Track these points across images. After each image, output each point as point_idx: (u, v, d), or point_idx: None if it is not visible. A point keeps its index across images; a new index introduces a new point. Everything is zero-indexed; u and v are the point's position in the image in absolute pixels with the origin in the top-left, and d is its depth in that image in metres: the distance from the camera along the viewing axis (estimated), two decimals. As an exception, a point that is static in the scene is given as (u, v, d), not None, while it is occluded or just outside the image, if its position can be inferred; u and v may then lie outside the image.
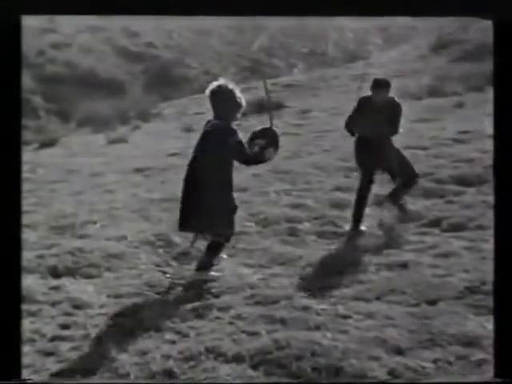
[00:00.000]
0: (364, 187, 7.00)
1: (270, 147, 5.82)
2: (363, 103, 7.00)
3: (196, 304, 5.30)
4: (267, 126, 5.93)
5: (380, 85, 6.88)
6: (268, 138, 5.84)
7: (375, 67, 18.73)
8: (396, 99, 6.93)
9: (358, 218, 6.92)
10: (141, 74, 22.74)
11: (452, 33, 19.41)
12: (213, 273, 5.83)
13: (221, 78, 5.86)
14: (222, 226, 5.77)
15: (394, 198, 7.10)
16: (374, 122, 6.80)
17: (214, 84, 5.75)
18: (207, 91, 5.74)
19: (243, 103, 5.77)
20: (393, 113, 6.85)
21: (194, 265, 6.02)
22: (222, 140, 5.65)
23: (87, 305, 5.43)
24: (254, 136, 5.91)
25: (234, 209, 5.80)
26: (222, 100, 5.68)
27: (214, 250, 5.85)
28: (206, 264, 5.81)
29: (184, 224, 5.80)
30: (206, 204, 5.65)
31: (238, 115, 5.80)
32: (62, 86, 20.76)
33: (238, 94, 5.74)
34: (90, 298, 5.57)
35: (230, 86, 5.74)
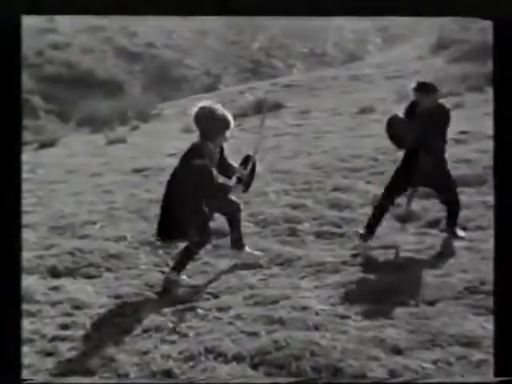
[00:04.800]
0: (387, 204, 6.42)
1: (244, 183, 5.97)
2: (410, 109, 6.23)
3: (196, 304, 5.31)
4: (248, 154, 6.05)
5: (425, 90, 6.12)
6: (248, 170, 5.99)
7: (375, 67, 18.76)
8: (445, 105, 6.20)
9: (371, 231, 6.42)
10: (140, 74, 22.74)
11: (452, 33, 19.41)
12: (184, 277, 5.87)
13: (203, 100, 5.91)
14: (192, 234, 5.78)
15: (451, 228, 6.40)
16: (420, 132, 6.12)
17: (197, 106, 5.80)
18: (192, 114, 5.79)
19: (229, 122, 5.77)
20: (439, 121, 6.14)
21: (191, 265, 6.03)
22: (187, 161, 5.71)
23: (87, 305, 5.43)
24: (242, 163, 6.05)
25: (206, 217, 5.85)
26: (206, 121, 5.72)
27: (185, 254, 5.89)
28: (178, 266, 5.85)
29: (160, 234, 5.90)
30: (177, 214, 5.72)
31: (227, 134, 5.81)
32: (62, 86, 20.76)
33: (221, 113, 5.74)
34: (89, 298, 5.57)
35: (214, 106, 5.77)
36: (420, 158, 6.18)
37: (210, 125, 5.71)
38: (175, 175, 5.79)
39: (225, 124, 5.74)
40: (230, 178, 6.08)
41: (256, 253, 6.24)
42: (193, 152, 5.72)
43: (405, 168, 6.32)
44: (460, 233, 6.50)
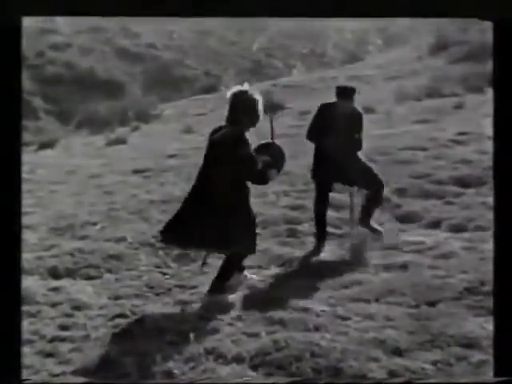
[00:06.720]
0: (322, 203, 6.61)
1: (275, 167, 5.62)
2: (325, 111, 6.54)
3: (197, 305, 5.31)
4: (270, 140, 5.71)
5: (344, 93, 6.46)
6: (274, 157, 5.61)
7: (374, 68, 18.74)
8: (357, 109, 6.48)
9: (321, 239, 6.52)
10: (140, 74, 22.73)
11: (452, 34, 19.39)
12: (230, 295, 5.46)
13: (246, 84, 5.49)
14: (241, 243, 5.42)
15: (365, 220, 6.59)
16: (336, 133, 6.33)
17: (239, 88, 5.42)
18: (229, 93, 5.42)
19: (261, 117, 5.44)
20: (354, 124, 6.43)
21: (192, 266, 6.04)
22: (233, 151, 5.30)
23: (87, 306, 5.43)
24: (259, 150, 5.57)
25: (253, 222, 5.52)
26: (244, 107, 5.38)
27: (226, 270, 5.49)
28: (217, 287, 5.46)
29: (183, 239, 5.51)
30: (219, 220, 5.31)
31: (252, 128, 5.46)
32: (62, 86, 20.75)
33: (260, 106, 5.43)
34: (89, 299, 5.57)
35: (256, 96, 5.42)
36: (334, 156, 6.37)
37: (247, 113, 5.38)
38: (212, 165, 5.39)
39: (258, 117, 5.44)
40: None
41: (250, 276, 5.79)
42: (237, 140, 5.33)
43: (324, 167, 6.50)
44: (376, 226, 6.59)
